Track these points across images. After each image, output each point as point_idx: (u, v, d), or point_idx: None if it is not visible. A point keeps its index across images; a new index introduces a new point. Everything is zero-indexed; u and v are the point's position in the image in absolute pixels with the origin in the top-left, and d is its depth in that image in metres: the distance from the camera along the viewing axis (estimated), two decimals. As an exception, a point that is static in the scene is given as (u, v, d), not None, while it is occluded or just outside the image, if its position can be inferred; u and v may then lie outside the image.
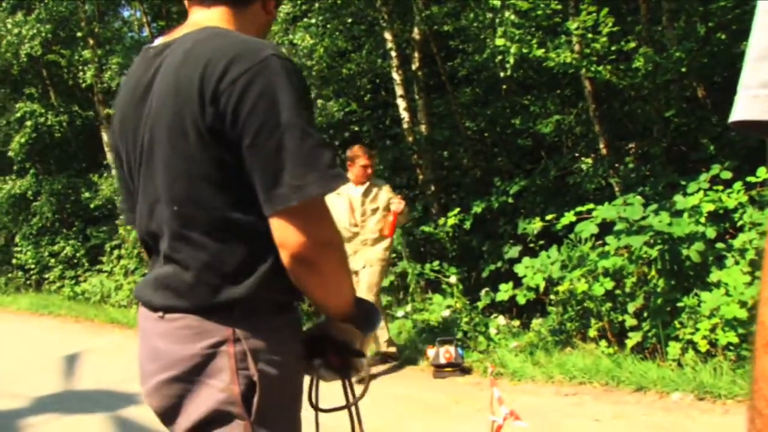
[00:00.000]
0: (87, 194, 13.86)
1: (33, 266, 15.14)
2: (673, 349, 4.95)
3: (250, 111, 1.34)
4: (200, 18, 1.58)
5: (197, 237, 1.44)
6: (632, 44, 6.55)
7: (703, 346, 4.77)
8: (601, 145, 7.78)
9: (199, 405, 1.45)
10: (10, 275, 16.55)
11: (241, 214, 1.41)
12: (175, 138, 1.41)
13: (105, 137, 14.69)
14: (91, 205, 13.66)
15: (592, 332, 5.63)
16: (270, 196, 1.35)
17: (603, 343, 5.51)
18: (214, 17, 1.57)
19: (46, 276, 14.94)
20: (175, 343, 1.46)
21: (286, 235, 1.37)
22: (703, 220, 5.23)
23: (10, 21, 13.62)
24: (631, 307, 5.37)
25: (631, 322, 5.39)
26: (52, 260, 14.73)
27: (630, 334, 5.37)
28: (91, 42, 14.33)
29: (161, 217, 1.48)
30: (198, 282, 1.45)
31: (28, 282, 15.89)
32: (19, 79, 15.35)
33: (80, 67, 14.18)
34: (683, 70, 6.68)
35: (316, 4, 9.01)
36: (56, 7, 13.86)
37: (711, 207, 5.28)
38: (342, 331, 1.56)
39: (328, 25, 8.98)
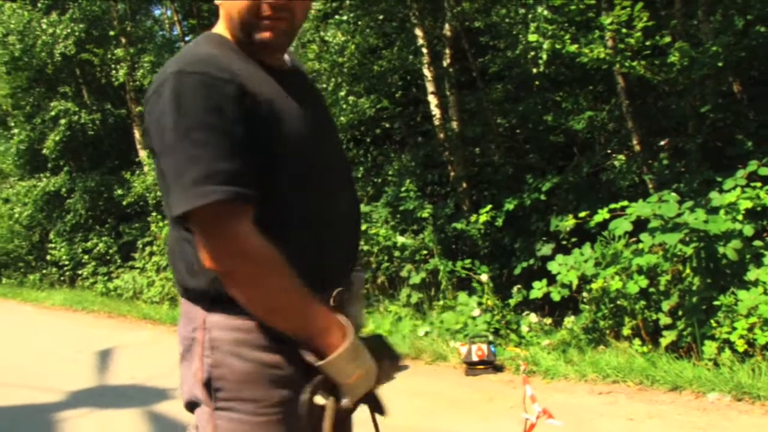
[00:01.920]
0: (120, 191, 14.00)
1: (67, 262, 15.33)
2: (709, 348, 4.88)
3: (153, 132, 1.43)
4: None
5: (173, 233, 1.57)
6: (667, 39, 6.45)
7: (741, 345, 4.69)
8: (635, 142, 7.69)
9: (184, 386, 1.57)
10: (44, 271, 16.77)
11: (179, 222, 1.48)
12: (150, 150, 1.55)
13: (137, 135, 14.86)
14: (124, 202, 13.78)
15: (626, 330, 5.57)
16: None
17: (637, 341, 5.45)
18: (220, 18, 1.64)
19: (80, 272, 15.12)
20: (181, 323, 1.61)
21: (199, 248, 1.45)
22: (740, 217, 5.13)
23: (45, 21, 13.80)
24: (666, 306, 5.31)
25: (665, 320, 5.33)
26: (86, 257, 14.89)
27: (664, 333, 5.31)
28: (124, 41, 14.48)
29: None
30: (176, 272, 1.58)
31: (62, 278, 16.10)
32: (54, 78, 15.53)
33: (113, 66, 14.31)
34: (720, 64, 6.56)
35: (347, 1, 9.01)
36: (90, 7, 14.02)
37: (748, 204, 5.19)
38: (322, 367, 1.46)
39: (360, 22, 8.97)
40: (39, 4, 14.29)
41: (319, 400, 1.48)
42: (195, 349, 1.53)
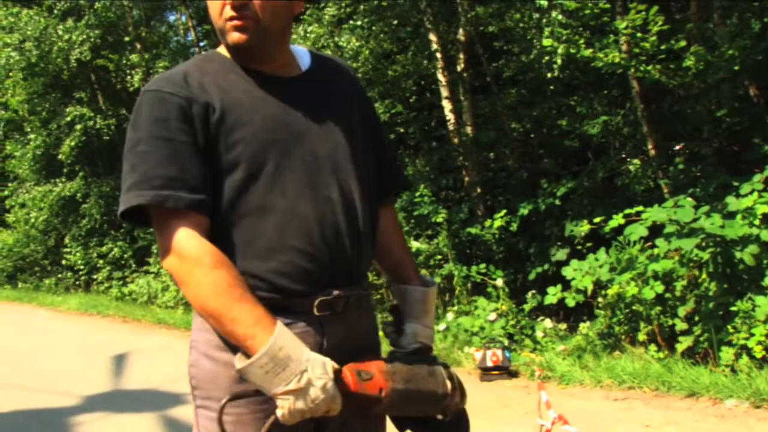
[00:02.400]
0: (135, 197, 14.05)
1: (82, 267, 15.42)
2: (726, 354, 4.84)
3: None
4: None
5: None
6: (683, 43, 6.42)
7: (759, 351, 4.65)
8: (650, 146, 7.65)
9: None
10: (60, 276, 16.90)
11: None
12: None
13: (153, 140, 14.88)
14: (139, 207, 13.83)
15: (642, 336, 5.54)
16: None
17: (653, 347, 5.42)
18: None
19: (95, 277, 15.22)
20: None
21: None
22: (757, 222, 5.08)
23: (61, 27, 13.91)
24: (682, 311, 5.27)
25: (681, 326, 5.28)
26: (101, 261, 14.98)
27: (680, 339, 5.27)
28: (139, 46, 14.59)
29: None
30: None
31: (77, 282, 16.21)
32: (69, 84, 15.64)
33: (128, 71, 14.41)
34: (736, 68, 6.52)
35: (361, 7, 9.02)
36: (105, 13, 14.13)
37: (766, 209, 5.13)
38: (240, 372, 1.43)
39: (374, 28, 8.98)
40: (55, 11, 14.41)
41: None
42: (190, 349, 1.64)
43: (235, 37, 1.55)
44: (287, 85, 1.64)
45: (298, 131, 1.60)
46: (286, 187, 1.55)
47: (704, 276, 5.26)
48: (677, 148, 7.83)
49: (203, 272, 1.44)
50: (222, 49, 1.66)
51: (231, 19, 1.54)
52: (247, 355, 1.41)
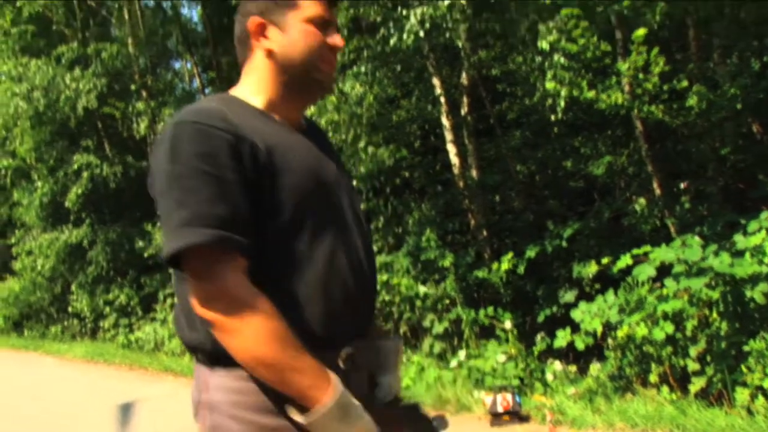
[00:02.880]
0: (141, 243, 14.10)
1: (88, 314, 15.36)
2: (741, 395, 4.77)
3: (153, 182, 1.48)
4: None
5: (175, 283, 1.58)
6: (684, 83, 6.47)
7: (774, 392, 4.59)
8: (655, 185, 7.66)
9: None
10: (66, 323, 16.82)
11: (171, 267, 1.47)
12: None
13: (159, 187, 14.97)
14: (145, 254, 13.86)
15: (653, 377, 5.47)
16: None
17: (665, 388, 5.35)
18: (240, 83, 1.70)
19: (101, 324, 15.14)
20: (192, 385, 1.59)
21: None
22: (766, 260, 5.06)
23: (68, 76, 14.09)
24: (694, 351, 5.22)
25: (693, 366, 5.23)
26: (107, 308, 14.93)
27: (693, 380, 5.20)
28: (144, 94, 14.75)
29: None
30: (176, 325, 1.57)
31: (83, 330, 16.13)
32: (76, 131, 15.79)
33: (134, 119, 14.55)
34: (738, 106, 6.56)
35: (365, 53, 9.12)
36: (111, 62, 14.33)
37: (774, 246, 5.12)
38: (308, 425, 1.41)
39: (377, 73, 9.07)
40: (63, 60, 14.61)
41: None
42: (200, 411, 1.53)
43: (326, 76, 1.63)
44: (306, 137, 1.67)
45: (327, 182, 1.62)
46: (326, 237, 1.55)
47: (715, 315, 5.21)
48: (683, 186, 7.84)
49: (261, 320, 1.38)
50: (238, 93, 1.66)
51: (327, 60, 1.62)
52: (302, 408, 1.40)
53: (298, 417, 1.39)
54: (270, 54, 1.63)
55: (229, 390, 1.47)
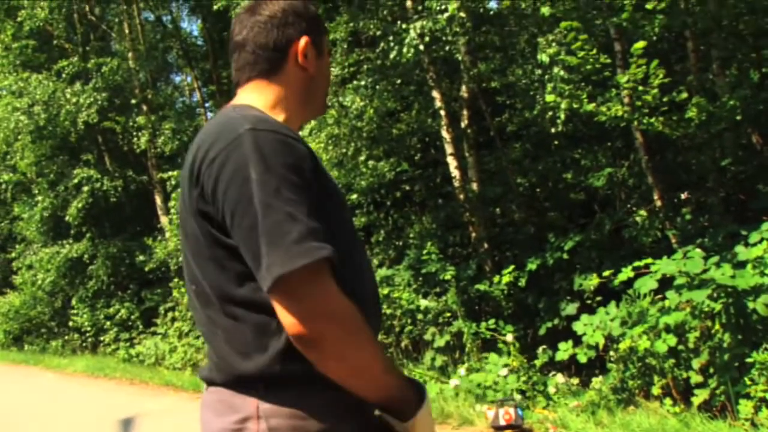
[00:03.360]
0: (141, 257, 14.12)
1: (89, 329, 15.36)
2: (745, 407, 4.75)
3: (225, 191, 1.36)
4: (237, 98, 1.64)
5: (213, 314, 1.46)
6: (684, 95, 6.48)
7: (778, 404, 4.57)
8: (656, 197, 7.65)
9: None
10: (66, 337, 16.83)
11: (246, 290, 1.40)
12: (185, 219, 1.48)
13: (158, 201, 15.04)
14: (146, 268, 13.88)
15: (656, 390, 5.46)
16: (258, 278, 1.34)
17: (668, 401, 5.33)
18: (249, 93, 1.61)
19: (102, 338, 15.14)
20: (213, 415, 1.48)
21: (280, 315, 1.34)
22: (768, 271, 5.06)
23: (69, 91, 14.13)
24: (696, 364, 5.20)
25: (696, 378, 5.21)
26: (108, 323, 14.93)
27: (696, 392, 5.19)
28: (145, 108, 14.81)
29: (191, 296, 1.54)
30: (219, 358, 1.47)
31: (84, 344, 16.13)
32: (77, 146, 15.86)
33: (134, 133, 14.61)
34: (738, 118, 6.57)
35: (365, 66, 9.15)
36: (112, 76, 14.37)
37: (776, 257, 5.11)
38: (410, 427, 1.42)
39: (377, 87, 9.09)
40: (64, 75, 14.66)
41: None
42: None
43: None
44: None
45: (345, 202, 1.63)
46: (361, 252, 1.58)
47: (717, 327, 5.20)
48: (683, 197, 7.84)
49: (360, 329, 1.36)
50: (261, 106, 1.58)
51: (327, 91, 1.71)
52: (396, 412, 1.42)
53: (397, 423, 1.42)
54: (306, 74, 1.61)
55: (288, 416, 1.41)
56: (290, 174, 1.34)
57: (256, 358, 1.42)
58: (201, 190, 1.41)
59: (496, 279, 8.09)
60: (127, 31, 15.42)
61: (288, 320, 1.33)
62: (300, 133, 1.66)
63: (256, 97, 1.60)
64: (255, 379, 1.42)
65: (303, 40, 1.60)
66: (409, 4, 9.07)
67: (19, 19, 14.87)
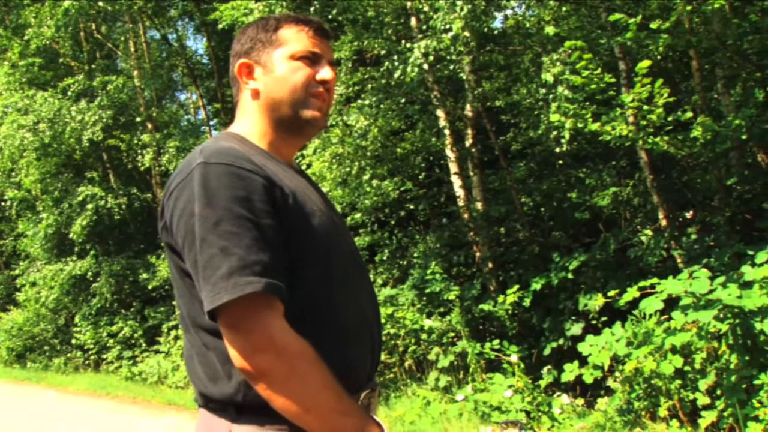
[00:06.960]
0: (145, 275, 14.11)
1: (92, 346, 15.33)
2: (754, 430, 4.69)
3: (177, 224, 1.40)
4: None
5: (191, 339, 1.50)
6: (689, 114, 6.46)
7: (787, 427, 4.51)
8: (661, 216, 7.62)
9: None
10: (69, 355, 16.78)
11: (209, 319, 1.39)
12: (166, 247, 1.50)
13: (163, 219, 15.02)
14: (149, 286, 13.87)
15: (662, 411, 5.40)
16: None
17: (674, 423, 5.27)
18: (236, 121, 1.68)
19: (105, 356, 15.11)
20: None
21: (228, 348, 1.37)
22: (775, 292, 5.00)
23: (74, 109, 14.18)
24: (703, 385, 5.14)
25: (703, 400, 5.15)
26: (111, 340, 14.90)
27: (703, 414, 5.13)
28: (150, 126, 14.85)
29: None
30: (197, 381, 1.50)
31: (86, 362, 16.09)
32: (82, 163, 15.91)
33: (139, 151, 14.64)
34: (744, 137, 6.54)
35: (369, 85, 9.16)
36: (117, 94, 14.43)
37: (784, 278, 5.06)
38: None
39: (382, 106, 9.09)
40: (69, 93, 14.72)
41: None
42: None
43: (315, 113, 1.60)
44: (302, 177, 1.66)
45: (336, 225, 1.60)
46: (349, 281, 1.55)
47: (724, 348, 5.15)
48: (689, 215, 7.80)
49: (309, 367, 1.35)
50: (243, 132, 1.63)
51: (317, 95, 1.59)
52: None
53: None
54: (256, 94, 1.62)
55: None
56: (236, 207, 1.35)
57: (221, 385, 1.44)
58: (165, 223, 1.46)
59: (500, 299, 8.05)
60: (132, 49, 15.50)
61: (232, 353, 1.35)
62: (304, 152, 1.65)
63: (238, 124, 1.66)
64: (225, 403, 1.44)
65: (236, 66, 1.64)
66: (413, 23, 9.09)
67: (26, 37, 14.95)
